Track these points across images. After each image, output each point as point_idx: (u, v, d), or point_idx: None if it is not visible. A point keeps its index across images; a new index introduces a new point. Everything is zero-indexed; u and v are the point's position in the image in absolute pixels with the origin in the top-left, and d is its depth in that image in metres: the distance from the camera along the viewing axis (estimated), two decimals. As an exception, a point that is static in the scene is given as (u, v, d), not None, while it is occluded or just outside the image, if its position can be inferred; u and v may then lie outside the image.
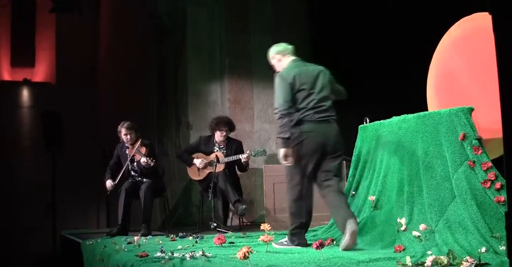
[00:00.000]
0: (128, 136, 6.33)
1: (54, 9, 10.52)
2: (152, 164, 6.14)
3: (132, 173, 6.48)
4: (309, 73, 4.44)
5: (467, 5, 4.65)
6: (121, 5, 11.16)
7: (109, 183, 6.30)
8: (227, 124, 6.66)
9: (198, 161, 6.57)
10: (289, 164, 4.30)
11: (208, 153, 6.65)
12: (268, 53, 4.71)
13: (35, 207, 9.26)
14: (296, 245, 4.37)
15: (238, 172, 6.83)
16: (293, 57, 4.62)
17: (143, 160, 6.15)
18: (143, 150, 6.27)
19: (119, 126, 6.39)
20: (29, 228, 10.24)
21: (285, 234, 5.11)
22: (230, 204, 6.36)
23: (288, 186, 4.44)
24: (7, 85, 12.21)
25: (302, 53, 8.22)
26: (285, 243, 4.45)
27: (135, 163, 6.41)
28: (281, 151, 4.27)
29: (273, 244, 4.41)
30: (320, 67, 4.55)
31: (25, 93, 12.30)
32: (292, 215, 4.43)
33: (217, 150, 6.63)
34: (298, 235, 4.41)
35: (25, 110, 12.19)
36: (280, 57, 4.62)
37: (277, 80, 4.39)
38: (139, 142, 6.30)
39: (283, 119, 4.25)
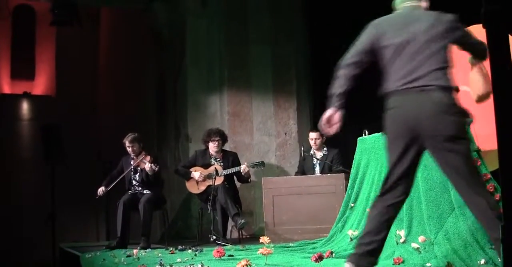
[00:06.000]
0: (130, 149, 6.51)
1: (54, 22, 10.54)
2: (156, 169, 6.30)
3: (134, 182, 6.57)
4: None
5: (466, 16, 4.65)
6: (121, 17, 11.22)
7: (100, 189, 6.43)
8: (219, 134, 6.67)
9: (197, 174, 6.56)
10: (329, 133, 3.30)
11: (206, 166, 6.65)
12: None
13: (34, 219, 9.22)
14: None
15: (238, 184, 6.82)
16: None
17: (147, 166, 6.28)
18: (147, 158, 6.42)
19: (124, 139, 6.54)
20: (29, 240, 10.21)
21: (285, 247, 5.10)
22: (229, 217, 6.34)
23: None
24: (7, 97, 12.24)
25: (301, 64, 8.34)
26: None
27: (138, 174, 6.51)
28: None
29: None
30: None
31: (25, 106, 12.32)
32: None
33: (213, 163, 6.63)
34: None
35: (25, 123, 12.21)
36: None
37: None
38: (143, 153, 6.49)
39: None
